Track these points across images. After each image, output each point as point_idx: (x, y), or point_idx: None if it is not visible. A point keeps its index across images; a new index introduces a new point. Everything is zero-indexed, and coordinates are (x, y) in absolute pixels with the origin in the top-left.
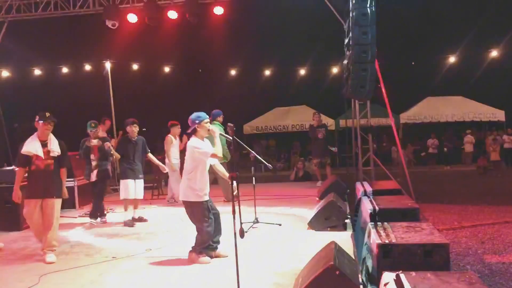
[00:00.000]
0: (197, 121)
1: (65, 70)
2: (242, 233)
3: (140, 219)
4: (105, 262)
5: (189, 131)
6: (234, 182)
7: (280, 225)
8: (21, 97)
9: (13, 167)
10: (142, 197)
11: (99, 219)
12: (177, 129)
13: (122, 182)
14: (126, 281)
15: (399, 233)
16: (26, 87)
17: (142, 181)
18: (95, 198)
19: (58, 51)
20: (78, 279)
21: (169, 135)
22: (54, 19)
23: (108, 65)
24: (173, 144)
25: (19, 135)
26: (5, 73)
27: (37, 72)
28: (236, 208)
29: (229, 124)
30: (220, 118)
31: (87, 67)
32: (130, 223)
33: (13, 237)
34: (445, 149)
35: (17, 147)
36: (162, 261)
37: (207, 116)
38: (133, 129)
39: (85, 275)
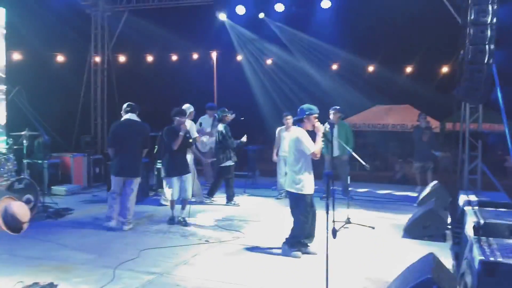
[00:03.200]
0: (307, 113)
1: (174, 58)
2: (334, 233)
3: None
4: (199, 244)
5: (295, 118)
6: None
7: (373, 228)
8: (134, 82)
9: None
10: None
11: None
12: (285, 121)
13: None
14: (217, 265)
15: (506, 252)
16: (139, 72)
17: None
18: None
19: (169, 40)
20: (173, 258)
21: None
22: (168, 9)
23: (214, 55)
24: (281, 137)
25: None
26: (122, 58)
27: (150, 58)
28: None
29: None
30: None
31: (195, 56)
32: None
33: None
34: None
35: None
36: (252, 249)
37: (318, 112)
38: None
39: (180, 255)
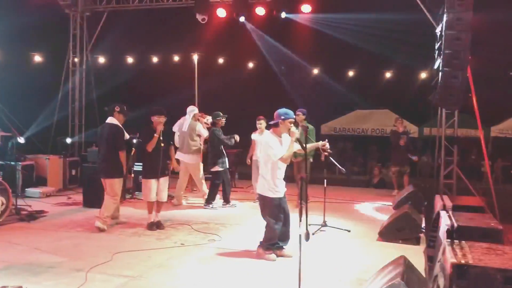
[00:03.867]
0: (282, 117)
1: (155, 59)
2: (307, 236)
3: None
4: (174, 247)
5: (271, 122)
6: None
7: (349, 231)
8: (114, 82)
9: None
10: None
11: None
12: (257, 125)
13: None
14: (191, 268)
15: (477, 254)
16: (119, 73)
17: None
18: (221, 185)
19: (150, 41)
20: (147, 261)
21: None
22: (149, 10)
23: (195, 57)
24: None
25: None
26: (102, 59)
27: (130, 60)
28: (304, 209)
29: (303, 125)
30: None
31: (176, 58)
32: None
33: (94, 213)
34: None
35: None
36: (228, 252)
37: (294, 116)
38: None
39: (154, 258)
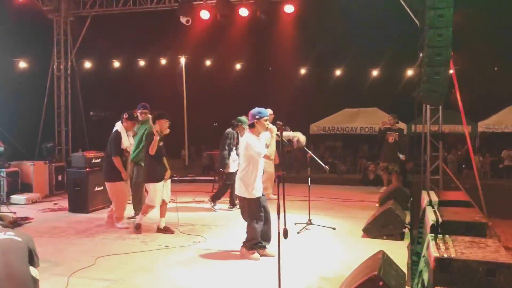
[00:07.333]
0: (257, 117)
1: (142, 63)
2: (286, 234)
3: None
4: (158, 250)
5: (247, 124)
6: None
7: (334, 229)
8: (99, 88)
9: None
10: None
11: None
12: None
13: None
14: (174, 270)
15: (460, 248)
16: (104, 78)
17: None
18: (227, 187)
19: (136, 45)
20: (130, 264)
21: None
22: (133, 14)
23: (182, 60)
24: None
25: (94, 123)
26: (88, 64)
27: (116, 64)
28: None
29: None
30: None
31: (163, 61)
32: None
33: (79, 218)
34: None
35: (92, 134)
36: (212, 253)
37: (268, 114)
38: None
39: (137, 261)
